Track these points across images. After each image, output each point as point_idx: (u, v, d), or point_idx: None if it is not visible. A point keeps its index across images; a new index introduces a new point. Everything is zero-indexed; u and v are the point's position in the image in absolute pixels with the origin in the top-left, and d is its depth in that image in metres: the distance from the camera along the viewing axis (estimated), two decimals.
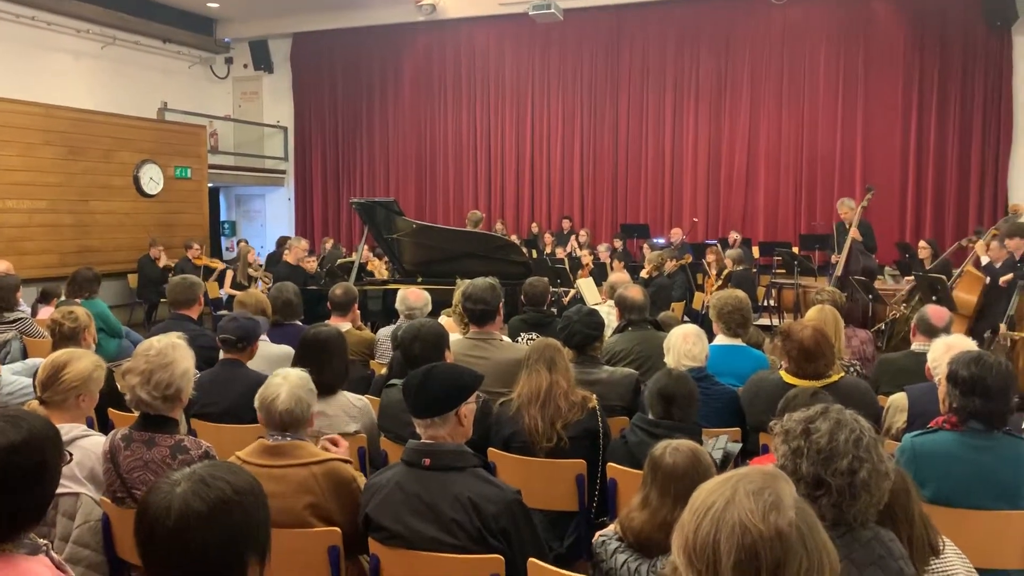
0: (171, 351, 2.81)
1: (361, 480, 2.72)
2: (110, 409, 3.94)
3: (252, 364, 3.97)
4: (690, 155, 13.45)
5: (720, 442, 3.06)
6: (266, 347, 4.52)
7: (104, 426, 3.98)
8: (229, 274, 10.60)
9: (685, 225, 12.84)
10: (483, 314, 4.20)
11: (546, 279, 5.78)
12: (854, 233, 8.90)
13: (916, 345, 4.35)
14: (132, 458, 2.70)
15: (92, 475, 2.81)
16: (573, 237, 12.71)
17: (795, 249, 11.00)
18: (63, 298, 6.60)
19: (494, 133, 14.86)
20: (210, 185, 14.32)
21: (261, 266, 11.09)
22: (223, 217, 16.81)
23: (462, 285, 4.98)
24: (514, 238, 12.41)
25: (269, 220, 16.75)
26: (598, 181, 14.19)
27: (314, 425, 2.87)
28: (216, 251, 14.78)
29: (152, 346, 2.81)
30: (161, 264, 11.65)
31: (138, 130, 12.57)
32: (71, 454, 2.77)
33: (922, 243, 9.88)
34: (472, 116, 14.99)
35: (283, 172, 16.58)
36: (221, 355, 3.96)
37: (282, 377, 2.73)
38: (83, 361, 2.97)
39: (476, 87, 14.89)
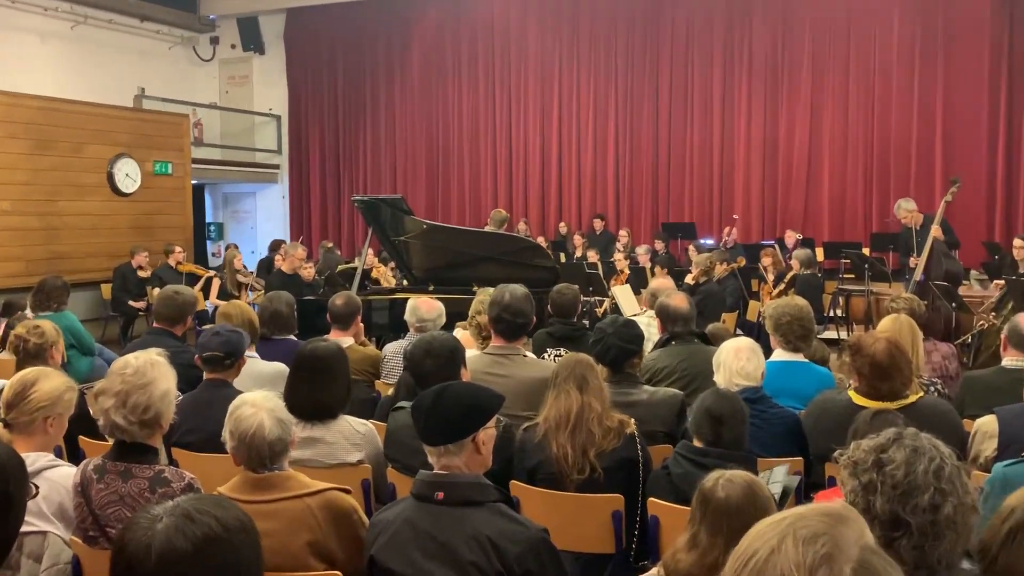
0: (150, 369, 2.83)
1: (362, 514, 2.73)
2: (80, 436, 3.98)
3: (240, 384, 3.99)
4: (742, 143, 13.40)
5: (777, 475, 3.03)
6: (256, 365, 4.54)
7: (74, 455, 4.01)
8: (216, 283, 10.68)
9: (733, 222, 12.78)
10: (520, 328, 4.24)
11: (576, 286, 5.77)
12: (935, 231, 8.81)
13: (1008, 360, 4.30)
14: (106, 492, 2.72)
15: (61, 511, 2.83)
16: (618, 244, 12.68)
17: (865, 250, 10.92)
18: (28, 311, 6.68)
19: (516, 121, 14.89)
20: (194, 182, 14.45)
21: (251, 273, 11.16)
22: (209, 218, 16.95)
23: (483, 294, 5.00)
24: (540, 240, 12.42)
25: (261, 221, 16.89)
26: (635, 174, 14.17)
27: (295, 445, 2.88)
28: (201, 257, 14.90)
29: (128, 364, 2.83)
30: (144, 275, 11.73)
31: (112, 120, 12.73)
32: (37, 487, 2.79)
33: (1017, 240, 9.67)
34: (491, 102, 15.04)
35: (276, 167, 16.72)
36: (204, 375, 3.98)
37: (251, 405, 2.73)
38: (53, 380, 3.00)
39: (495, 68, 14.94)
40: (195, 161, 14.33)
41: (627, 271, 10.87)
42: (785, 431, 3.77)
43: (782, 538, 1.20)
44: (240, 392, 3.83)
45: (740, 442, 3.20)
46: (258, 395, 2.79)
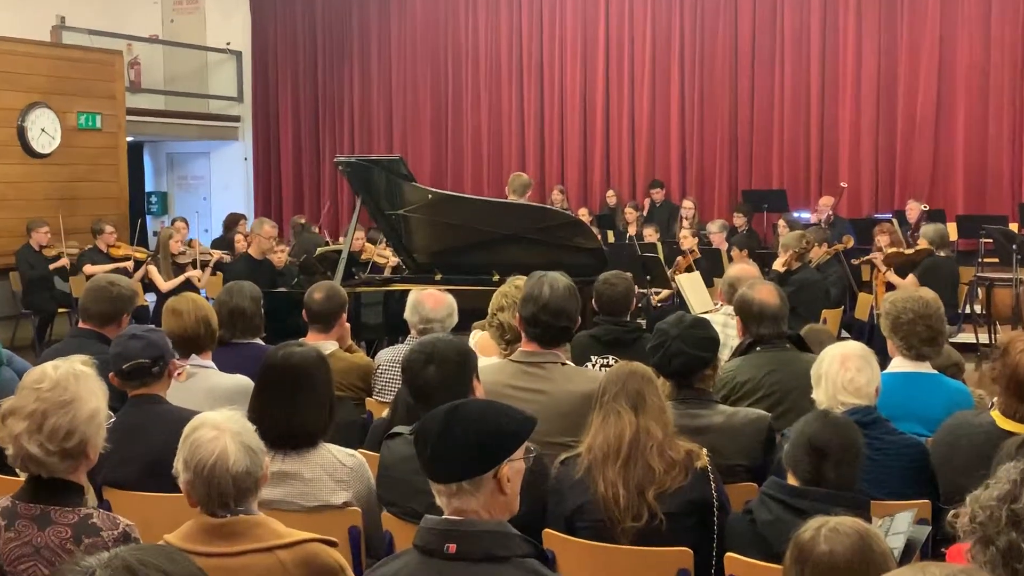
0: (73, 383, 2.84)
1: (350, 572, 2.74)
2: None
3: (193, 403, 4.01)
4: (849, 85, 13.29)
5: (899, 523, 3.02)
6: (211, 377, 4.58)
7: None
8: (152, 271, 10.69)
9: (839, 191, 12.68)
10: (562, 333, 4.24)
11: (629, 275, 5.77)
12: None
13: None
14: (17, 542, 2.74)
15: None
16: (683, 218, 12.61)
17: (1013, 226, 10.79)
18: None
19: (550, 58, 14.86)
20: (129, 139, 14.52)
21: (205, 252, 11.17)
22: (149, 187, 17.05)
23: (507, 285, 4.99)
24: (581, 213, 12.39)
25: (216, 190, 16.96)
26: (707, 127, 14.11)
27: (268, 480, 2.89)
28: (139, 237, 14.91)
29: (45, 376, 2.84)
30: (52, 254, 11.75)
31: (24, 60, 12.78)
32: None
33: None
34: (516, 32, 15.02)
35: (236, 119, 16.78)
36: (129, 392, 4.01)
37: (212, 427, 2.74)
38: None
39: None
40: (131, 112, 14.38)
41: (696, 254, 10.82)
42: (907, 465, 3.75)
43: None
44: (179, 409, 3.88)
45: (849, 481, 3.18)
46: (221, 415, 2.81)
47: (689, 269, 10.19)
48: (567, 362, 4.33)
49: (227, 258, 11.24)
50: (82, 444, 2.80)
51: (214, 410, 2.90)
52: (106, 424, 2.92)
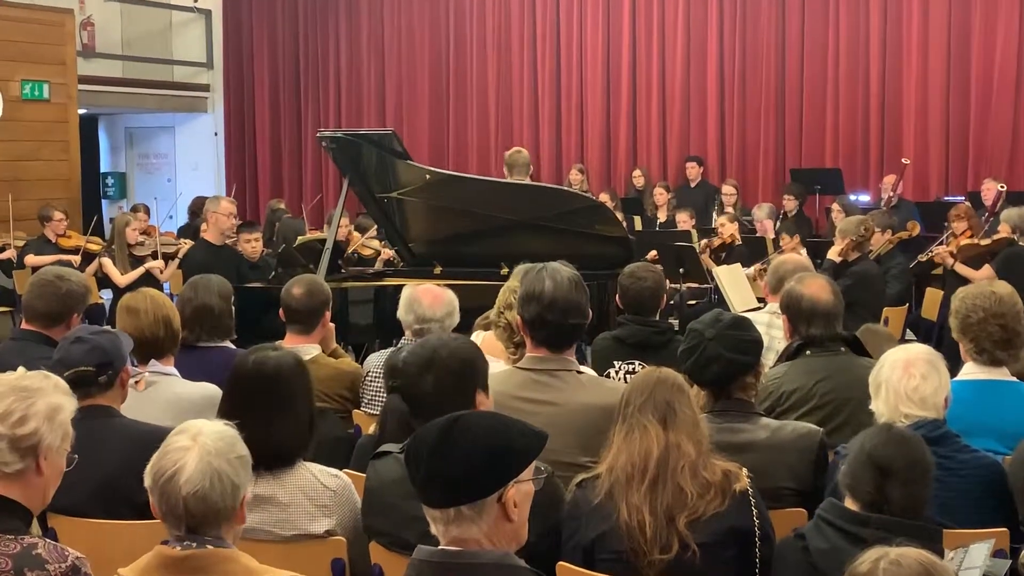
0: (41, 379, 2.91)
1: None
2: None
3: (154, 416, 4.03)
4: (915, 47, 13.23)
5: (974, 556, 3.02)
6: (175, 386, 4.59)
7: None
8: (107, 264, 10.69)
9: (901, 169, 12.62)
10: (574, 332, 4.22)
11: (659, 267, 5.76)
12: None
13: None
14: None
15: None
16: (723, 201, 12.56)
17: None
18: None
19: (567, 14, 14.86)
20: (82, 112, 14.54)
21: (168, 242, 11.16)
22: (105, 167, 17.08)
23: (516, 279, 4.97)
24: (603, 197, 12.36)
25: (182, 170, 16.98)
26: (750, 95, 14.09)
27: (245, 520, 2.88)
28: (95, 225, 14.92)
29: (16, 371, 2.92)
30: None
31: None
32: None
33: None
34: None
35: (205, 89, 16.78)
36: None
37: (189, 436, 2.74)
38: None
39: None
40: (84, 81, 14.40)
41: (737, 241, 10.79)
42: (982, 487, 3.74)
43: None
44: (137, 423, 3.90)
45: (917, 504, 3.17)
46: (212, 426, 2.82)
47: (726, 255, 10.16)
48: (582, 369, 4.32)
49: None
50: (35, 438, 2.81)
51: (179, 422, 2.90)
52: (71, 434, 2.93)
